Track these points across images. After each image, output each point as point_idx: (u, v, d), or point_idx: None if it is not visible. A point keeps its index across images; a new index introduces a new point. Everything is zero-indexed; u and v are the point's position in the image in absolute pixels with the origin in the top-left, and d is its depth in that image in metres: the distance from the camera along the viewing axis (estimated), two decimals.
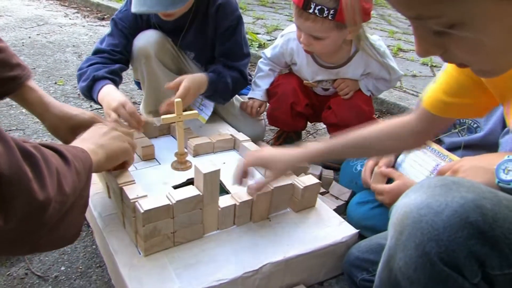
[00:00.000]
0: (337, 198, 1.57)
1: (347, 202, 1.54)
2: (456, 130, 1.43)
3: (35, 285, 1.18)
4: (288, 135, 2.02)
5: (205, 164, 1.09)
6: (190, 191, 1.09)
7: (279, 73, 1.95)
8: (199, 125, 1.80)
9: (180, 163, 1.45)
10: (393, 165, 1.45)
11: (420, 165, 1.37)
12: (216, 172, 1.08)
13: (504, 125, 1.30)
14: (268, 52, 1.90)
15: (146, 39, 1.69)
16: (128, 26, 1.70)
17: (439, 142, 1.47)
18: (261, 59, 1.93)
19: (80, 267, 1.25)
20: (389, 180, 1.38)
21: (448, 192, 0.66)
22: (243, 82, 1.81)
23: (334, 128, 1.90)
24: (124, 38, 1.70)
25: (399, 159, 1.40)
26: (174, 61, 1.80)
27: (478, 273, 0.65)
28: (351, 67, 1.76)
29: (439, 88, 0.97)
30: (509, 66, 0.66)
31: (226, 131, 1.75)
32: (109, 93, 1.51)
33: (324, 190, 1.64)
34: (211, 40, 1.78)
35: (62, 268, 1.24)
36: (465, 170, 0.84)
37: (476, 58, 0.62)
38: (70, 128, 1.19)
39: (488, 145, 1.33)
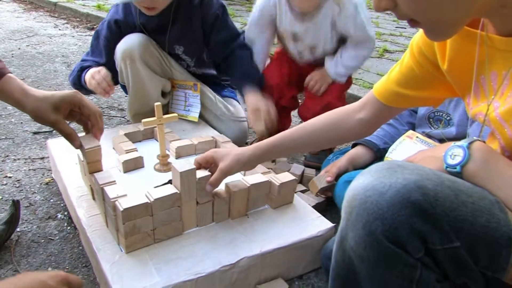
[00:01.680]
0: (317, 195, 1.61)
1: (327, 199, 1.60)
2: (439, 127, 1.50)
3: None
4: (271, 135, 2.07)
5: (181, 163, 1.15)
6: (167, 190, 1.14)
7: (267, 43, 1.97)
8: (182, 129, 1.86)
9: (162, 165, 1.50)
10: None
11: (408, 155, 1.44)
12: (192, 171, 1.13)
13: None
14: (248, 25, 1.93)
15: (131, 42, 1.76)
16: (109, 36, 1.85)
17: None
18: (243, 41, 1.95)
19: (67, 267, 1.30)
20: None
21: (392, 174, 0.71)
22: (250, 54, 1.91)
23: None
24: (106, 49, 1.85)
25: (390, 148, 1.46)
26: (158, 63, 1.87)
27: (421, 248, 0.70)
28: (320, 16, 1.76)
29: (393, 80, 1.03)
30: (455, 20, 0.72)
31: (208, 133, 1.81)
32: (91, 69, 1.76)
33: (305, 188, 1.69)
34: (199, 32, 1.86)
35: (49, 269, 1.28)
36: (419, 161, 0.89)
37: (420, 9, 0.70)
38: (52, 107, 1.13)
39: (461, 136, 1.38)
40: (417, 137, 1.44)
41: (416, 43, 0.96)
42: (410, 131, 1.48)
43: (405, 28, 5.26)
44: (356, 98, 2.65)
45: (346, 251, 0.77)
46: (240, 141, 1.92)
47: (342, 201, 1.40)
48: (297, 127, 1.18)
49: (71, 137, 1.18)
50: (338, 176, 1.53)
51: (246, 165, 1.19)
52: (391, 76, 1.04)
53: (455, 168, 0.78)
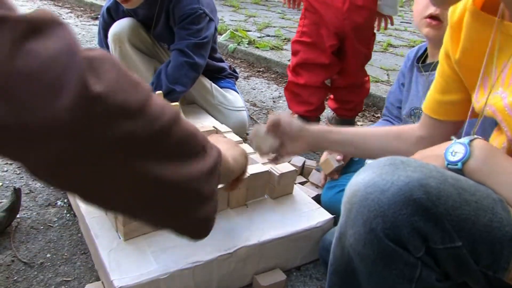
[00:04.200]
0: (317, 186, 1.61)
1: None
2: (412, 121, 1.48)
3: (21, 272, 1.22)
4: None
5: None
6: None
7: None
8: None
9: None
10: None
11: None
12: None
13: None
14: None
15: (120, 26, 1.80)
16: (103, 24, 1.94)
17: None
18: None
19: (65, 254, 1.30)
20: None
21: (395, 171, 0.69)
22: (185, 62, 1.73)
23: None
24: (104, 38, 1.94)
25: None
26: (148, 46, 1.89)
27: (421, 247, 0.68)
28: None
29: (433, 90, 1.01)
30: None
31: (209, 123, 1.80)
32: None
33: (305, 179, 1.69)
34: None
35: (48, 255, 1.29)
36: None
37: None
38: None
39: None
40: None
41: (443, 47, 0.95)
42: None
43: (410, 23, 5.23)
44: None
45: (345, 248, 0.76)
46: (240, 132, 1.91)
47: (325, 205, 1.42)
48: (359, 132, 1.16)
49: None
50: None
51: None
52: (432, 88, 1.03)
53: (456, 164, 0.77)
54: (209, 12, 1.76)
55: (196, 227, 0.81)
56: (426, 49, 1.44)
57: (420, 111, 1.45)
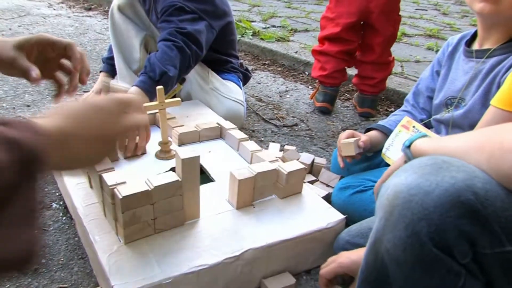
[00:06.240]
0: (327, 185, 1.63)
1: None
2: (448, 110, 1.46)
3: (13, 279, 1.23)
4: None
5: (185, 150, 1.16)
6: (169, 177, 1.15)
7: None
8: (185, 115, 1.87)
9: (164, 152, 1.51)
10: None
11: None
12: (195, 158, 1.14)
13: (483, 101, 1.32)
14: None
15: None
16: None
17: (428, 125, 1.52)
18: None
19: (62, 259, 1.31)
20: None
21: (438, 171, 0.70)
22: (173, 45, 1.77)
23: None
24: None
25: (386, 144, 1.45)
26: (140, 17, 2.06)
27: (468, 253, 0.69)
28: None
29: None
30: None
31: (213, 119, 1.82)
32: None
33: (315, 178, 1.70)
34: None
35: (43, 261, 1.30)
36: None
37: None
38: (15, 45, 1.06)
39: (470, 122, 1.33)
40: (413, 126, 1.39)
41: None
42: (406, 119, 1.43)
43: (426, 10, 5.22)
44: None
45: (379, 254, 0.77)
46: (234, 122, 1.90)
47: (337, 207, 1.42)
48: None
49: (28, 72, 1.05)
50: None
51: None
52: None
53: (405, 144, 0.91)
54: (197, 10, 1.82)
55: None
56: (473, 34, 1.40)
57: (459, 100, 1.41)
